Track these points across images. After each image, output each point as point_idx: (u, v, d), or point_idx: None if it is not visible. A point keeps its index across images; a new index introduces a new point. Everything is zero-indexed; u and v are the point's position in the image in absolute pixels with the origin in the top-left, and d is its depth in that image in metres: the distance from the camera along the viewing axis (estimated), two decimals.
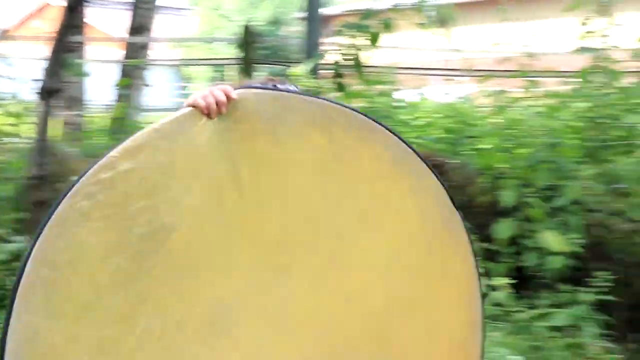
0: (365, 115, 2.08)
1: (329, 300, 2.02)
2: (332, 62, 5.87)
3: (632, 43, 5.03)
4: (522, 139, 5.13)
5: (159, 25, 10.72)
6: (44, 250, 1.80)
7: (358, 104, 5.64)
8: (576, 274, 4.44)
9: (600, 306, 4.29)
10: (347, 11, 7.63)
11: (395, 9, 5.75)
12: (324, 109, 2.02)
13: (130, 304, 1.85)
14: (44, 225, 1.81)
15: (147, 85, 8.74)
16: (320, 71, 6.39)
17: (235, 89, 1.99)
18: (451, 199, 2.15)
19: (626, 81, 4.98)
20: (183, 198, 1.90)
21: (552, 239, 4.43)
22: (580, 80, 5.04)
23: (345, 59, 5.72)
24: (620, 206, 4.58)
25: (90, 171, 1.85)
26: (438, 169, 5.68)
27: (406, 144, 2.10)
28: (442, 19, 5.73)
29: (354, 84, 5.79)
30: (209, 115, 1.94)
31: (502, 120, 5.59)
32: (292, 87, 2.28)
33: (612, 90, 4.93)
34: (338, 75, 5.80)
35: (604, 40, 5.05)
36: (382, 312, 2.06)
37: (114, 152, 1.87)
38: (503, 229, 4.66)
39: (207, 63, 20.58)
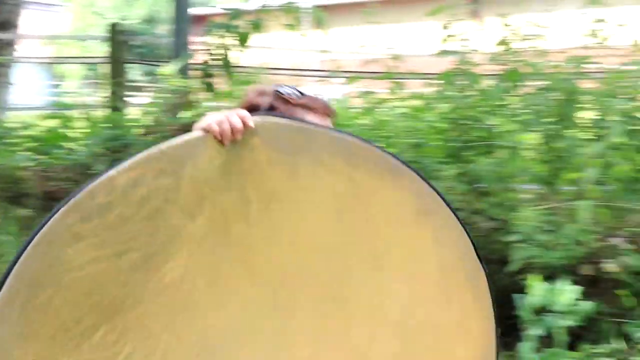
0: (396, 158, 1.93)
1: (331, 351, 1.87)
2: (202, 62, 5.84)
3: (492, 47, 5.20)
4: (389, 139, 5.22)
5: (28, 21, 10.39)
6: (28, 266, 1.68)
7: (227, 103, 5.63)
8: None
9: None
10: (217, 11, 7.59)
11: (264, 9, 5.76)
12: (349, 146, 1.87)
13: (114, 331, 1.73)
14: (31, 240, 1.69)
15: (11, 84, 8.46)
16: (190, 71, 6.35)
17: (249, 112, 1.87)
18: (477, 253, 2.00)
19: (486, 84, 5.14)
20: (185, 225, 1.78)
21: None
22: (443, 82, 5.17)
23: (214, 59, 5.69)
24: (482, 205, 4.72)
25: (87, 189, 1.72)
26: None
27: (436, 191, 1.95)
28: (313, 20, 5.77)
29: (223, 84, 5.77)
30: (222, 141, 1.81)
31: (370, 122, 5.67)
32: (308, 118, 2.08)
33: (472, 92, 5.07)
34: (207, 75, 5.77)
35: (464, 43, 5.20)
36: None
37: (113, 171, 1.74)
38: None
39: (77, 61, 20.11)
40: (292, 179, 1.83)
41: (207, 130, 1.82)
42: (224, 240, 1.80)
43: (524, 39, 5.10)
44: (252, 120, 1.82)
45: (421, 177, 1.94)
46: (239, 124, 1.81)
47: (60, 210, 1.70)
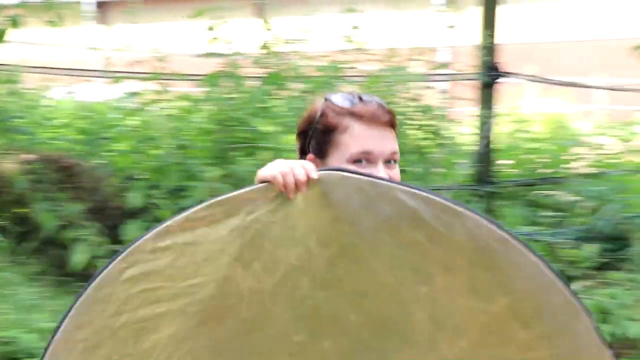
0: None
1: None
2: None
3: (257, 49, 5.28)
4: (155, 140, 5.18)
5: None
6: (85, 310, 1.75)
7: None
8: None
9: None
10: None
11: (23, 4, 5.53)
12: (427, 205, 1.73)
13: None
14: (89, 285, 1.74)
15: None
16: None
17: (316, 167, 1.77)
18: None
19: (251, 85, 5.22)
20: (245, 280, 1.74)
21: None
22: (209, 84, 5.19)
23: None
24: None
25: (145, 238, 1.73)
26: (69, 170, 5.67)
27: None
28: (71, 17, 5.59)
29: None
30: (286, 194, 1.74)
31: (138, 122, 5.60)
32: (356, 126, 1.95)
33: (237, 94, 5.13)
34: None
35: (230, 45, 5.25)
36: None
37: (172, 222, 1.73)
38: (132, 230, 4.67)
39: None
40: (360, 238, 1.75)
41: (270, 182, 1.74)
42: (286, 298, 1.77)
43: (288, 42, 5.22)
44: (315, 173, 1.75)
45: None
46: (303, 176, 1.74)
47: (118, 257, 1.75)
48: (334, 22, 5.48)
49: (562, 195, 5.59)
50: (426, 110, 5.35)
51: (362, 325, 1.77)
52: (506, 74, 5.46)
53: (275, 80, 5.01)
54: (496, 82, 5.37)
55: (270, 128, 4.85)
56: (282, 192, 1.74)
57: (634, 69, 6.67)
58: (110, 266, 1.75)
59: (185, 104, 5.44)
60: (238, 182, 4.87)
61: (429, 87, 5.69)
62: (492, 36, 5.35)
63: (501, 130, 6.13)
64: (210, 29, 5.22)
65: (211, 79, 5.12)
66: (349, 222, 1.74)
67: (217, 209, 1.74)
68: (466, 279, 1.72)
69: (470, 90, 5.53)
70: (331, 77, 5.06)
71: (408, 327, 1.76)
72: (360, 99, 1.98)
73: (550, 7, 13.91)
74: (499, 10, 5.45)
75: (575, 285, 4.50)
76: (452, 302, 1.74)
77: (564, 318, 1.69)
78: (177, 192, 4.84)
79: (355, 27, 5.15)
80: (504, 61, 5.43)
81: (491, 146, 5.39)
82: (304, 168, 1.76)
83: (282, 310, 1.76)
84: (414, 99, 5.30)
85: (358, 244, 1.74)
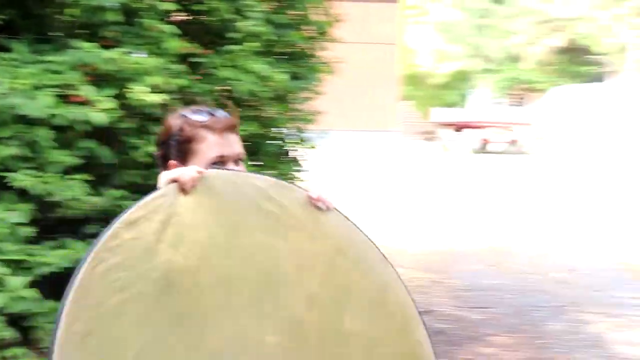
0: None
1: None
2: None
3: None
4: None
5: None
6: (76, 306, 2.14)
7: None
8: None
9: None
10: None
11: None
12: (271, 185, 2.44)
13: (144, 351, 2.22)
14: (70, 287, 2.14)
15: None
16: None
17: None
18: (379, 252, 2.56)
19: None
20: (177, 260, 2.29)
21: None
22: None
23: None
24: None
25: (102, 240, 2.20)
26: None
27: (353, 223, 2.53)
28: None
29: None
30: (184, 190, 2.28)
31: None
32: (210, 137, 2.56)
33: None
34: None
35: None
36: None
37: (118, 224, 2.23)
38: None
39: None
40: (237, 214, 2.39)
41: (175, 181, 2.28)
42: (207, 268, 2.33)
43: None
44: (202, 171, 2.31)
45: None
46: (195, 175, 2.29)
47: (86, 259, 2.17)
48: None
49: None
50: None
51: (255, 280, 2.39)
52: None
53: None
54: None
55: None
56: (183, 189, 2.29)
57: None
58: (84, 267, 2.17)
59: None
60: None
61: None
62: None
63: None
64: None
65: None
66: (228, 204, 2.39)
67: (146, 208, 2.28)
68: (306, 232, 2.45)
69: None
70: None
71: (282, 273, 2.43)
72: (211, 113, 2.55)
73: None
74: None
75: None
76: (302, 248, 2.45)
77: (363, 246, 2.52)
78: None
79: None
80: None
81: None
82: (194, 170, 2.30)
83: (207, 279, 2.33)
84: None
85: (239, 220, 2.40)
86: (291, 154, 5.97)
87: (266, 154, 5.46)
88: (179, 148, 2.53)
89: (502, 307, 8.24)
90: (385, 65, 30.47)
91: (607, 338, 7.19)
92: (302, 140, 5.85)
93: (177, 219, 2.31)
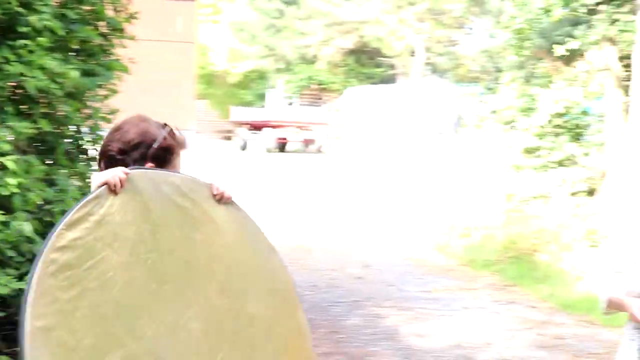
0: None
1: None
2: None
3: None
4: None
5: None
6: (37, 304, 2.43)
7: None
8: None
9: None
10: None
11: None
12: (183, 181, 2.79)
13: (98, 340, 2.52)
14: (29, 288, 2.43)
15: None
16: None
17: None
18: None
19: None
20: (113, 256, 2.58)
21: None
22: None
23: None
24: None
25: (49, 242, 2.48)
26: None
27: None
28: None
29: None
30: (114, 191, 2.62)
31: None
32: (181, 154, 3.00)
33: None
34: None
35: None
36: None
37: (62, 226, 2.51)
38: None
39: None
40: (157, 209, 2.71)
41: (105, 183, 2.63)
42: (137, 260, 2.64)
43: None
44: (127, 172, 2.68)
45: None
46: (122, 177, 2.65)
47: (39, 259, 2.48)
48: None
49: None
50: None
51: (177, 272, 2.70)
52: None
53: None
54: None
55: None
56: (113, 190, 2.62)
57: None
58: (38, 268, 2.45)
59: None
60: None
61: None
62: None
63: None
64: None
65: None
66: (150, 201, 2.70)
67: (83, 210, 2.56)
68: (213, 224, 2.80)
69: None
70: None
71: (197, 265, 2.75)
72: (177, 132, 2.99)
73: None
74: None
75: None
76: (211, 240, 2.80)
77: (257, 237, 2.93)
78: None
79: None
80: None
81: None
82: (120, 171, 2.65)
83: (138, 271, 2.63)
84: None
85: (160, 216, 2.71)
86: (90, 153, 5.79)
87: (62, 152, 5.27)
88: (158, 154, 2.87)
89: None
90: (183, 64, 30.32)
91: (400, 331, 7.53)
92: (99, 138, 5.69)
93: (109, 218, 2.60)
